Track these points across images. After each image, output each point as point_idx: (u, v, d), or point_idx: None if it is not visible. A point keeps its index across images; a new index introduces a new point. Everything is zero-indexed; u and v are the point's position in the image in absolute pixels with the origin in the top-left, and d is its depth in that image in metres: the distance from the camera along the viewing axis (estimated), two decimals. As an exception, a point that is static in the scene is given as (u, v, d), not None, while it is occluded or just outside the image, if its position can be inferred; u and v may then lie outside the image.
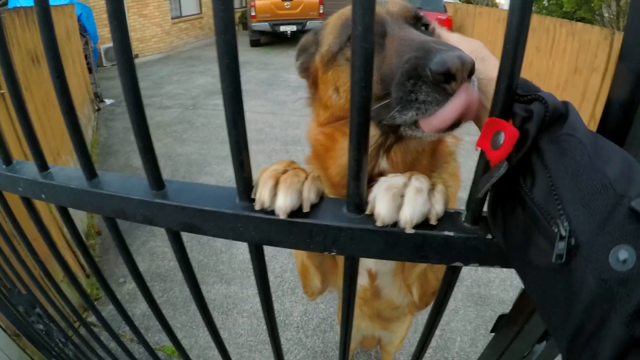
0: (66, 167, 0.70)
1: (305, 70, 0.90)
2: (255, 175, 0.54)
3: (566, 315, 0.35)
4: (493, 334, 0.84)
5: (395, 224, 0.47)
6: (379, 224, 0.47)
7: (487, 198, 0.47)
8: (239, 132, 0.47)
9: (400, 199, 0.48)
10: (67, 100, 0.56)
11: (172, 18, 11.84)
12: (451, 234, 0.47)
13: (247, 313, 2.71)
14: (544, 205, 0.37)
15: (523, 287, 0.60)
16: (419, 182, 0.50)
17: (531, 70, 6.13)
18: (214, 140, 5.45)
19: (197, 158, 4.93)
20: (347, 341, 0.67)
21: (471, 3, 12.92)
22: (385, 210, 0.46)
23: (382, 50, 0.65)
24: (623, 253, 0.30)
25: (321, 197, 0.54)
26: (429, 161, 0.80)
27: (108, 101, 7.07)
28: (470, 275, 2.98)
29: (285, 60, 10.16)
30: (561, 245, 0.34)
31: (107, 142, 5.48)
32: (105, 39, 8.75)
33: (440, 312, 0.61)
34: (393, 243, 0.48)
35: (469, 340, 2.50)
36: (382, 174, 0.74)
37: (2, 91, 2.06)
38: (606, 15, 7.99)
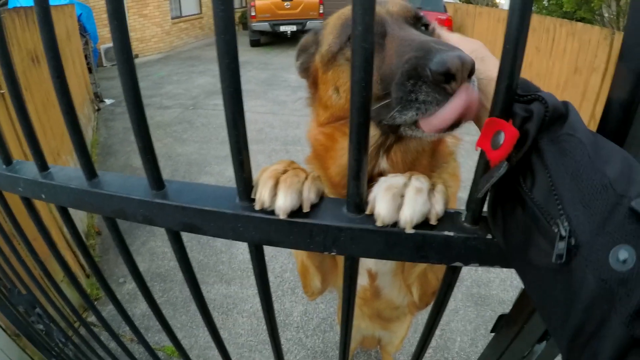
0: (66, 167, 0.70)
1: (305, 70, 0.90)
2: (255, 175, 0.54)
3: (566, 315, 0.35)
4: (493, 334, 0.84)
5: (395, 224, 0.47)
6: (379, 224, 0.47)
7: (487, 198, 0.47)
8: (239, 132, 0.47)
9: (400, 199, 0.48)
10: (67, 100, 0.56)
11: (172, 18, 11.84)
12: (451, 234, 0.47)
13: (247, 313, 2.71)
14: (544, 205, 0.37)
15: (523, 287, 0.60)
16: (419, 182, 0.50)
17: (531, 70, 6.13)
18: (214, 140, 5.45)
19: (197, 158, 4.94)
20: (347, 341, 0.67)
21: (471, 3, 12.93)
22: (385, 210, 0.46)
23: (382, 50, 0.65)
24: (623, 253, 0.30)
25: (321, 197, 0.54)
26: (429, 161, 0.80)
27: (108, 101, 7.07)
28: (470, 275, 2.98)
29: (285, 60, 10.16)
30: (561, 245, 0.34)
31: (107, 142, 5.48)
32: (105, 39, 8.75)
33: (440, 312, 0.61)
34: (393, 243, 0.48)
35: (469, 340, 2.50)
36: (382, 174, 0.75)
37: (2, 91, 2.06)
38: (606, 15, 7.99)
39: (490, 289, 2.87)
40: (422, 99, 0.55)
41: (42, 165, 0.67)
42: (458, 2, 13.52)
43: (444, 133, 0.59)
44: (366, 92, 0.41)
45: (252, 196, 0.52)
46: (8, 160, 0.72)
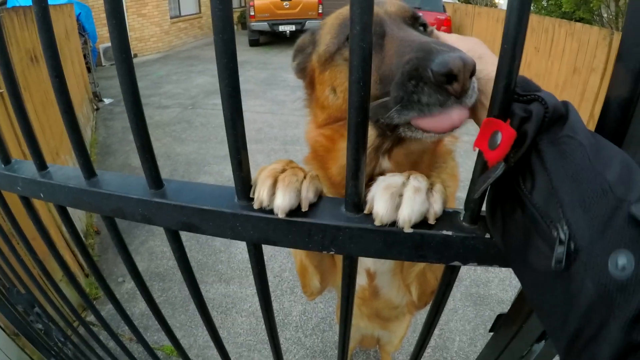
0: (65, 166, 0.70)
1: (302, 71, 0.89)
2: (254, 174, 0.54)
3: (564, 318, 0.35)
4: (492, 333, 0.84)
5: (393, 223, 0.47)
6: (377, 223, 0.47)
7: (486, 198, 0.47)
8: (237, 131, 0.47)
9: (398, 198, 0.48)
10: (65, 100, 0.56)
11: (171, 18, 11.83)
12: (450, 233, 0.47)
13: (246, 312, 2.71)
14: (544, 208, 0.37)
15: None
16: (417, 182, 0.50)
17: (530, 71, 6.14)
18: (213, 139, 5.45)
19: (195, 157, 4.93)
20: (346, 340, 0.68)
21: (470, 3, 12.93)
22: (384, 209, 0.47)
23: (381, 51, 0.65)
24: (622, 259, 0.30)
25: (320, 196, 0.54)
26: (429, 161, 0.80)
27: (107, 100, 7.06)
28: (469, 274, 2.98)
29: (284, 60, 10.15)
30: (560, 250, 0.34)
31: (106, 142, 5.47)
32: (104, 39, 8.73)
33: (439, 311, 0.61)
34: (391, 242, 0.48)
35: (467, 340, 2.50)
36: (383, 174, 0.75)
37: (0, 90, 2.05)
38: (605, 15, 8.00)
39: (489, 289, 2.87)
40: (425, 101, 0.55)
41: (41, 165, 0.67)
42: (457, 2, 13.52)
43: (443, 134, 0.59)
44: (364, 91, 0.41)
45: (251, 195, 0.52)
46: (7, 160, 0.72)
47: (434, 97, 0.54)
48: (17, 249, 1.01)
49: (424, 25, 0.77)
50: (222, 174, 4.49)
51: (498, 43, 0.39)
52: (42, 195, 0.66)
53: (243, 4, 15.77)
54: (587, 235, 0.33)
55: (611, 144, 0.38)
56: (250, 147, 0.48)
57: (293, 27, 11.47)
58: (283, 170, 0.54)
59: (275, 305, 2.36)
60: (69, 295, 1.05)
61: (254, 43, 12.20)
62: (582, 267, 0.33)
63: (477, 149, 0.43)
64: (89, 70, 6.76)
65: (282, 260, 3.16)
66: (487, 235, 0.47)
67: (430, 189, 0.50)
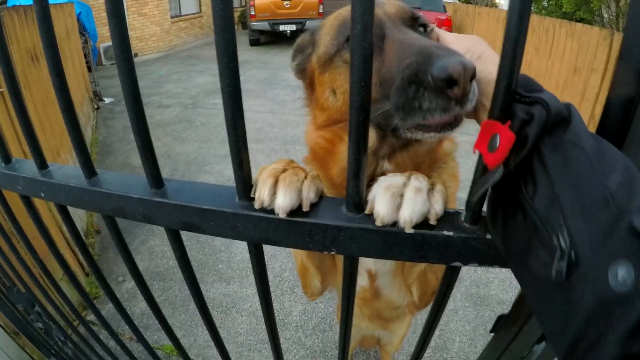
0: (65, 165, 0.70)
1: (302, 72, 0.89)
2: (254, 174, 0.54)
3: (563, 326, 0.35)
4: (492, 334, 0.84)
5: (394, 223, 0.47)
6: (378, 223, 0.47)
7: (487, 199, 0.47)
8: (238, 131, 0.47)
9: (399, 198, 0.47)
10: (66, 99, 0.56)
11: (172, 17, 11.83)
12: (450, 233, 0.47)
13: (246, 312, 2.71)
14: (545, 215, 0.37)
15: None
16: (418, 182, 0.50)
17: (530, 71, 6.13)
18: (213, 139, 5.45)
19: (196, 157, 4.93)
20: (347, 340, 0.67)
21: (471, 3, 12.92)
22: (385, 209, 0.46)
23: (380, 53, 0.65)
24: (622, 271, 0.30)
25: (320, 196, 0.54)
26: (429, 161, 0.80)
27: (107, 100, 7.06)
28: (470, 275, 2.98)
29: (284, 60, 10.15)
30: (561, 262, 0.34)
31: (107, 141, 5.47)
32: (104, 38, 8.74)
33: (440, 312, 0.61)
34: (392, 243, 0.48)
35: (468, 341, 2.50)
36: (384, 175, 0.74)
37: (1, 89, 2.05)
38: (605, 16, 7.99)
39: (489, 289, 2.87)
40: (426, 106, 0.54)
41: (42, 164, 0.67)
42: (457, 2, 13.52)
43: (444, 133, 0.58)
44: (365, 91, 0.41)
45: (252, 195, 0.52)
46: (7, 159, 0.72)
47: (435, 103, 0.54)
48: (18, 248, 1.01)
49: (424, 26, 0.77)
50: (223, 174, 4.49)
51: (498, 43, 0.39)
52: (42, 195, 0.66)
53: (243, 4, 15.76)
54: (587, 245, 0.33)
55: (613, 148, 0.38)
56: (251, 146, 0.48)
57: (294, 27, 11.47)
58: (284, 170, 0.54)
59: (275, 305, 2.33)
60: (69, 294, 1.05)
61: (254, 42, 12.20)
62: (582, 277, 0.33)
63: (477, 151, 0.43)
64: (89, 69, 6.76)
65: (282, 260, 3.16)
66: (488, 236, 0.47)
67: (431, 189, 0.50)
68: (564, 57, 5.33)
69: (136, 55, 10.46)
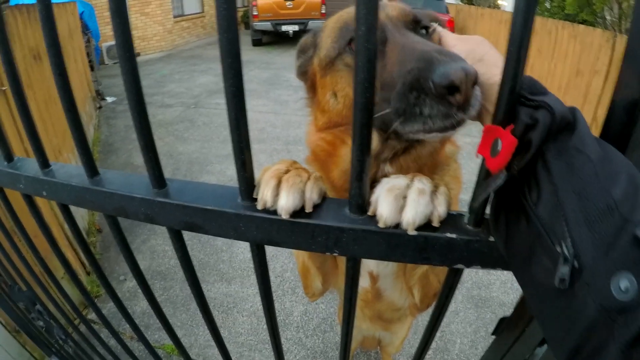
0: (68, 164, 0.70)
1: (304, 74, 0.89)
2: (256, 174, 0.53)
3: (565, 333, 0.35)
4: (493, 336, 0.84)
5: (397, 225, 0.47)
6: (381, 225, 0.47)
7: (490, 202, 0.46)
8: (241, 131, 0.47)
9: (402, 200, 0.47)
10: (68, 98, 0.56)
11: (174, 17, 11.85)
12: (453, 236, 0.47)
13: (248, 312, 2.71)
14: (549, 223, 0.37)
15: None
16: (421, 184, 0.49)
17: (533, 73, 6.08)
18: (216, 139, 5.45)
19: (198, 157, 4.94)
20: (348, 341, 0.67)
21: (473, 4, 12.91)
22: (388, 211, 0.46)
23: (382, 57, 0.64)
24: (624, 281, 0.30)
25: (323, 197, 0.53)
26: (431, 163, 0.80)
27: (110, 99, 7.08)
28: (471, 277, 2.97)
29: (287, 60, 10.16)
30: (564, 270, 0.34)
31: (109, 140, 5.48)
32: (107, 37, 8.75)
33: (442, 314, 0.61)
34: (395, 244, 0.48)
35: (469, 343, 2.50)
36: (387, 177, 0.74)
37: (4, 88, 2.06)
38: (608, 17, 7.98)
39: (490, 291, 2.86)
40: (427, 113, 0.54)
41: (44, 163, 0.67)
42: (460, 3, 13.51)
43: (446, 133, 0.58)
44: (369, 92, 0.41)
45: (254, 196, 0.52)
46: (9, 157, 0.72)
47: (436, 109, 0.53)
48: (19, 246, 1.01)
49: (426, 28, 0.76)
50: (225, 174, 4.50)
51: (501, 44, 0.38)
52: (45, 194, 0.66)
53: (246, 4, 15.77)
54: (591, 254, 0.33)
55: (618, 153, 0.38)
56: (253, 146, 0.48)
57: (296, 27, 11.48)
58: (287, 171, 0.54)
59: (276, 306, 2.33)
60: (71, 292, 1.05)
61: (256, 43, 12.20)
62: (584, 286, 0.33)
63: (480, 155, 0.43)
64: (91, 68, 6.78)
65: (283, 261, 3.16)
66: (491, 239, 0.47)
67: (434, 191, 0.49)
68: (566, 59, 5.33)
69: (138, 54, 10.47)
